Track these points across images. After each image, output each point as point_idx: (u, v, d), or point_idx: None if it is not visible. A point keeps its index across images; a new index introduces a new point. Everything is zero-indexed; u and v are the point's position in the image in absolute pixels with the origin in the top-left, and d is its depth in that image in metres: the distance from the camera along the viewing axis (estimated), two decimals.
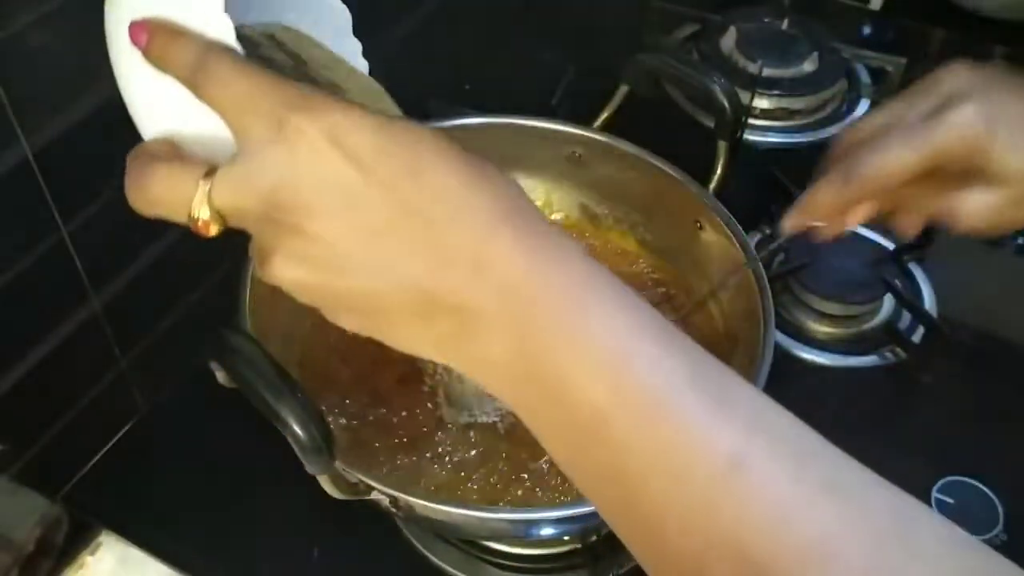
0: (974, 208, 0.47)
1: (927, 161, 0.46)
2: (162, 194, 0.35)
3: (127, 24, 0.36)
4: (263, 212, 0.33)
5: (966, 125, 0.45)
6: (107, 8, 0.38)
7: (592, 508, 0.53)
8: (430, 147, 0.33)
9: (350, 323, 0.35)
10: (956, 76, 0.47)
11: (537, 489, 0.58)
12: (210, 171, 0.34)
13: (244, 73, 0.33)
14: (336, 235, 0.32)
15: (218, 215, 0.34)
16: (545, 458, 0.59)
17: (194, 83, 0.34)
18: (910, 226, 0.53)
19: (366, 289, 0.33)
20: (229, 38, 0.35)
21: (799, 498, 0.29)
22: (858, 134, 0.50)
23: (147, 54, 0.35)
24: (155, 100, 0.37)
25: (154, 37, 0.35)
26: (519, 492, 0.58)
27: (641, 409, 0.30)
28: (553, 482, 0.58)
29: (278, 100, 0.32)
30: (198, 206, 0.34)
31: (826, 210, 0.51)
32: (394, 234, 0.32)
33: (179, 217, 0.35)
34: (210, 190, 0.33)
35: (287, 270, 0.33)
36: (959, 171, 0.46)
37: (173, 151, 0.36)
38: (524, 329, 0.31)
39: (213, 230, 0.34)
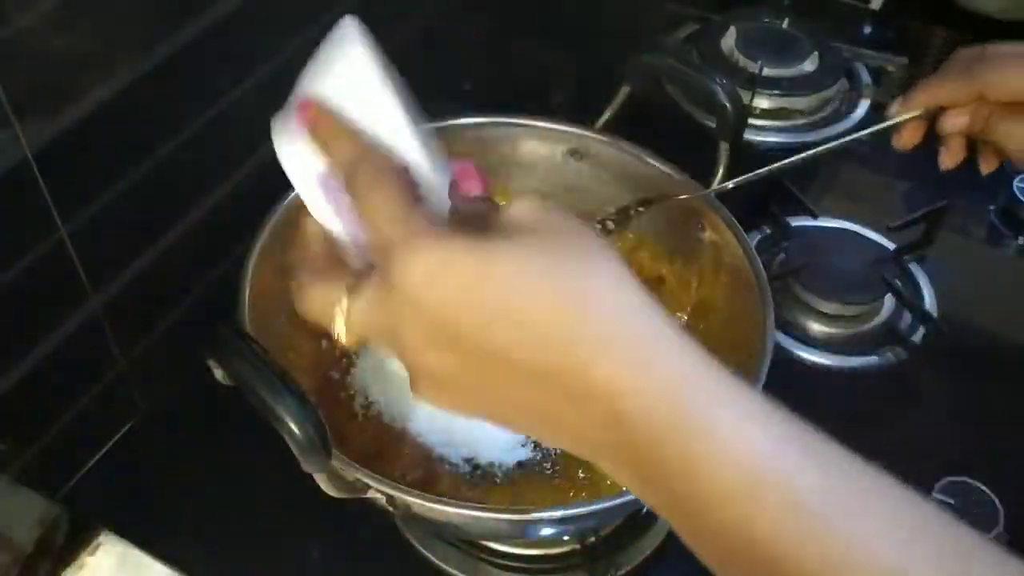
0: None
1: None
2: (314, 312, 0.39)
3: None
4: (388, 344, 0.36)
5: None
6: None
7: (590, 508, 0.53)
8: (524, 279, 0.33)
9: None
10: None
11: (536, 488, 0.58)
12: (351, 288, 0.36)
13: (378, 188, 0.36)
14: (454, 370, 0.34)
15: (354, 337, 0.38)
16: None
17: (347, 180, 0.38)
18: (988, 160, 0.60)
19: (492, 411, 0.36)
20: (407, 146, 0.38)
21: None
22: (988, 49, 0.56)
23: (312, 133, 0.39)
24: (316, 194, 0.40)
25: (320, 121, 0.39)
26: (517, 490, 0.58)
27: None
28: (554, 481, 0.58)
29: (389, 234, 0.35)
30: (338, 328, 0.38)
31: (943, 97, 0.57)
32: (495, 371, 0.33)
33: (330, 331, 0.38)
34: (346, 315, 0.37)
35: (427, 392, 0.36)
36: None
37: (325, 263, 0.40)
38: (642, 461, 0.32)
39: (352, 346, 0.36)
